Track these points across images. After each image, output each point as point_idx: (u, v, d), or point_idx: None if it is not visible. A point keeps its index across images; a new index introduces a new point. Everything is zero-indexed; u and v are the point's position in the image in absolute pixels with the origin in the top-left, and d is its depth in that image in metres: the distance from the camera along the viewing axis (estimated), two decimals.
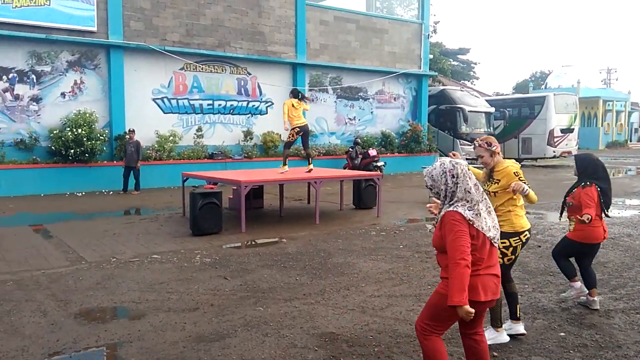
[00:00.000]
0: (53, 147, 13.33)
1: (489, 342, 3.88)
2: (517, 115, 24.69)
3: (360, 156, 17.12)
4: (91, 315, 4.73)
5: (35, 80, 13.51)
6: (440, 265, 3.05)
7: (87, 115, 13.49)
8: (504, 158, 4.20)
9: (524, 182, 3.95)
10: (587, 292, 4.87)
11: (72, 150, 13.09)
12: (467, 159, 14.65)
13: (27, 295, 5.25)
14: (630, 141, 49.06)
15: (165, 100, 15.49)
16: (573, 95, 26.75)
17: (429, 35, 21.88)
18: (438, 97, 22.48)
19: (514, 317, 4.18)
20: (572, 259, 5.02)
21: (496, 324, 4.06)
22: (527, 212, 4.34)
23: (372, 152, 17.08)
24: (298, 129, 9.76)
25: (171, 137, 15.12)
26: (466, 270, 2.73)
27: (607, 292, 5.40)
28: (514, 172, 4.01)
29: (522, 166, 4.34)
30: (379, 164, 16.65)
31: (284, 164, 10.06)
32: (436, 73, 27.09)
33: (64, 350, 3.97)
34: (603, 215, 4.80)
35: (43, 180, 13.08)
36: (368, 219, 9.88)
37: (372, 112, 20.31)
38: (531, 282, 5.72)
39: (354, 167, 16.54)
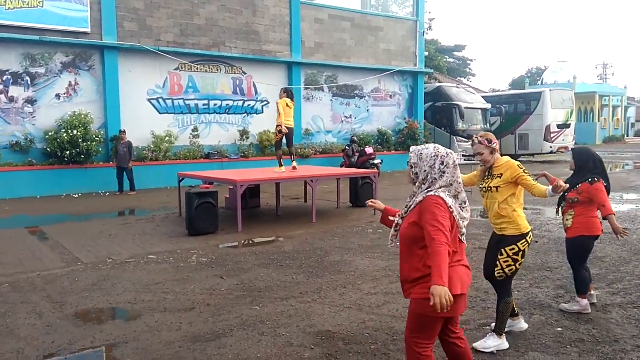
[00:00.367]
0: (49, 149, 13.28)
1: (489, 350, 3.85)
2: (513, 112, 24.70)
3: (357, 154, 17.11)
4: (87, 317, 4.70)
5: (29, 82, 13.46)
6: (405, 267, 2.79)
7: (83, 116, 13.45)
8: (500, 155, 4.15)
9: (528, 175, 3.88)
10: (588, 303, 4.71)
11: (67, 152, 13.05)
12: (463, 156, 14.64)
13: (22, 297, 5.22)
14: (627, 136, 49.15)
15: (160, 100, 15.45)
16: (569, 90, 26.77)
17: (424, 32, 21.89)
18: (434, 95, 22.48)
19: (512, 314, 4.09)
20: (568, 263, 4.94)
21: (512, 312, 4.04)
22: (525, 208, 4.31)
23: (369, 150, 17.07)
24: (284, 130, 9.74)
25: (167, 138, 15.07)
26: (447, 255, 2.56)
27: (605, 286, 5.40)
28: (518, 165, 3.92)
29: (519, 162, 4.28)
30: (375, 161, 16.64)
31: (280, 165, 10.03)
32: (432, 70, 27.10)
33: (59, 352, 3.94)
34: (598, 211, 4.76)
35: (39, 182, 13.03)
36: (365, 216, 9.87)
37: (368, 110, 20.30)
38: (528, 277, 5.72)
39: (351, 165, 16.53)
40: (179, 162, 14.88)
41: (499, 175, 3.94)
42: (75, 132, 13.02)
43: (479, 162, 4.09)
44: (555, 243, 7.32)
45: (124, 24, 14.50)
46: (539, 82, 45.57)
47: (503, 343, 3.91)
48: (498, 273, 3.92)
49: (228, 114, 16.76)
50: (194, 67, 15.90)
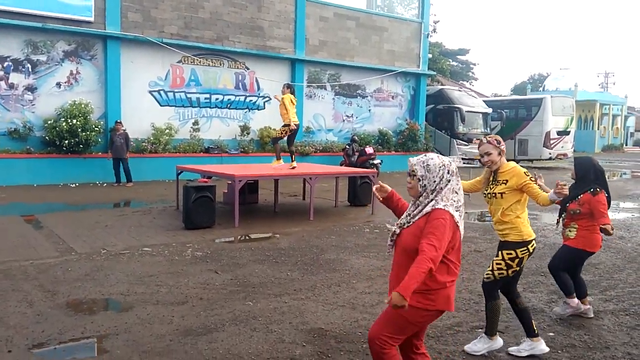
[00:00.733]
0: (47, 137, 13.23)
1: (480, 353, 3.85)
2: (514, 117, 24.71)
3: (357, 153, 17.09)
4: (78, 307, 4.68)
5: (30, 70, 13.41)
6: (403, 277, 2.58)
7: (83, 106, 13.39)
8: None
9: (534, 182, 3.81)
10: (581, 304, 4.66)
11: (66, 141, 13.00)
12: (463, 159, 14.64)
13: (14, 285, 5.20)
14: (626, 145, 49.19)
15: (162, 92, 15.41)
16: (570, 98, 26.80)
17: (428, 34, 21.83)
18: (436, 97, 22.46)
19: (532, 334, 3.89)
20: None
21: (531, 333, 3.90)
22: None
23: (369, 149, 17.05)
24: (293, 127, 9.62)
25: (167, 130, 15.04)
26: (426, 271, 2.52)
27: (598, 293, 5.40)
28: (524, 172, 3.83)
29: None
30: (375, 161, 16.63)
31: (278, 159, 9.99)
32: (435, 73, 27.06)
33: (48, 342, 3.92)
34: None
35: (36, 171, 12.99)
36: (362, 216, 9.86)
37: (369, 110, 20.27)
38: (522, 281, 5.70)
39: (351, 164, 16.51)
40: (178, 155, 14.84)
41: (504, 182, 3.84)
42: (74, 121, 12.97)
43: (483, 163, 3.93)
44: (550, 248, 7.30)
45: (127, 15, 14.45)
46: (541, 89, 45.56)
47: (494, 343, 3.90)
48: (487, 274, 3.89)
49: (229, 108, 16.72)
50: (197, 60, 15.86)
